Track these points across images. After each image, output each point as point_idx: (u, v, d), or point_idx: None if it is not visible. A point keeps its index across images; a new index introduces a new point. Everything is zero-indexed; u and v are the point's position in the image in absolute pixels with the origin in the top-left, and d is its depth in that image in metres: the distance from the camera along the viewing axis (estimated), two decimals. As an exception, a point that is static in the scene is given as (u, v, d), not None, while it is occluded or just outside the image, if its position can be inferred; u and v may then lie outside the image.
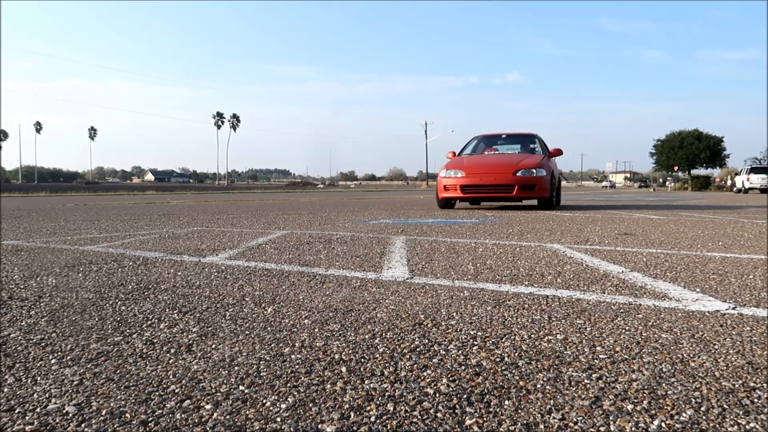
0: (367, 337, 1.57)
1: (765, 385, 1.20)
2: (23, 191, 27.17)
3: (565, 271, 2.65)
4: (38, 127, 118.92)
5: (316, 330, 1.64)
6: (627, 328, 1.65)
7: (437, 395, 1.15)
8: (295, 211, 8.51)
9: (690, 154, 54.81)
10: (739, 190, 32.17)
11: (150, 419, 1.04)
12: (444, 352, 1.43)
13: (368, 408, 1.09)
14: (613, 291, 2.18)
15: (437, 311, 1.86)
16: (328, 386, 1.20)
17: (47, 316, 1.83)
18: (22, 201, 14.08)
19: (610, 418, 1.04)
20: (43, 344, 1.52)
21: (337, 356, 1.40)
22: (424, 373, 1.28)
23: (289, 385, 1.21)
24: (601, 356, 1.39)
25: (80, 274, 2.61)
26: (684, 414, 1.05)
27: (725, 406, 1.09)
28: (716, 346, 1.47)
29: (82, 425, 1.02)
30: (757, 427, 1.00)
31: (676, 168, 55.83)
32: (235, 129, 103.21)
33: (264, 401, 1.12)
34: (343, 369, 1.31)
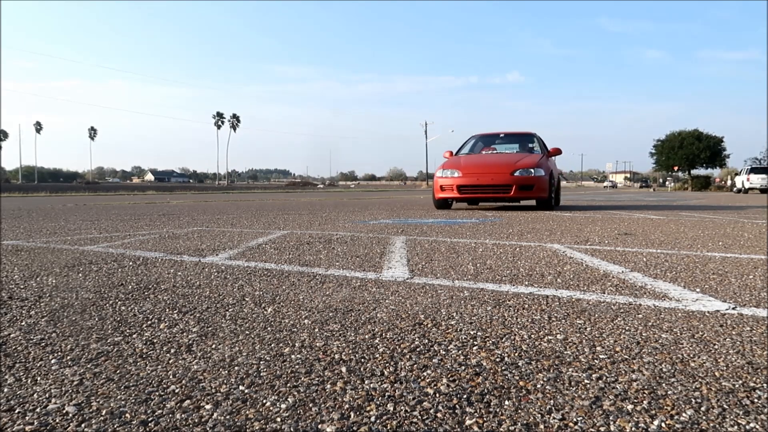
0: (367, 337, 1.57)
1: (765, 385, 1.20)
2: (23, 191, 27.18)
3: (565, 271, 2.65)
4: (38, 127, 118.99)
5: (316, 330, 1.64)
6: (627, 328, 1.65)
7: (437, 395, 1.15)
8: (295, 211, 8.51)
9: (690, 154, 54.81)
10: (739, 190, 32.16)
11: (150, 419, 1.04)
12: (444, 352, 1.43)
13: (368, 408, 1.09)
14: (613, 291, 2.18)
15: (437, 311, 1.86)
16: (328, 386, 1.20)
17: (47, 316, 1.83)
18: (22, 201, 14.08)
19: (610, 418, 1.04)
20: (43, 344, 1.52)
21: (337, 356, 1.40)
22: (424, 373, 1.28)
23: (289, 385, 1.21)
24: (601, 356, 1.39)
25: (80, 274, 2.61)
26: (684, 414, 1.05)
27: (725, 406, 1.09)
28: (716, 346, 1.47)
29: (82, 425, 1.02)
30: (757, 427, 1.00)
31: (676, 168, 55.81)
32: (235, 129, 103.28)
33: (264, 401, 1.12)
34: (343, 369, 1.31)
